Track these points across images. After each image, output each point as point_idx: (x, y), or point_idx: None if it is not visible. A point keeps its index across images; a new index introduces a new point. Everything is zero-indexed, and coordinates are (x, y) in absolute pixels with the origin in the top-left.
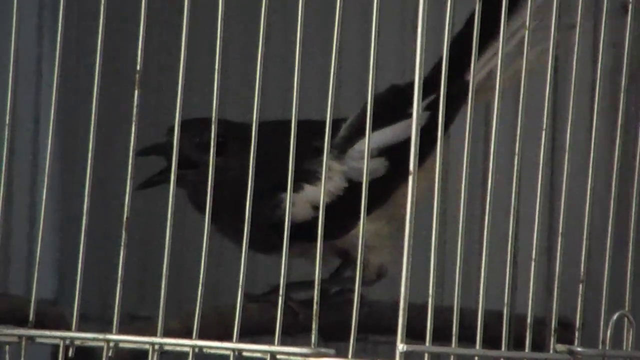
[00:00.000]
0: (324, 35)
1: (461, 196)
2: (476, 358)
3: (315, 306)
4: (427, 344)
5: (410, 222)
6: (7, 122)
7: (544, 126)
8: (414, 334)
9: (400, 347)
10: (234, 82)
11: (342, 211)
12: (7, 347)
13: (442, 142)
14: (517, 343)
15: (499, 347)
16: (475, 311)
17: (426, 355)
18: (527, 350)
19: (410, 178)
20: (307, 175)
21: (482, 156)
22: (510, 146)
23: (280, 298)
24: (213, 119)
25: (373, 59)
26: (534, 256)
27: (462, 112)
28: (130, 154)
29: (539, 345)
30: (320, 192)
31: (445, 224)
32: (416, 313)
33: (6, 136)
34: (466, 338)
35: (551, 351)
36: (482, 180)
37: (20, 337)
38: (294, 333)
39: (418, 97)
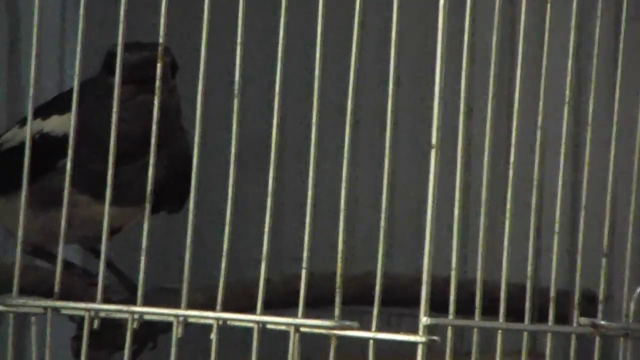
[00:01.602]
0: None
1: (484, 169)
2: (499, 331)
3: (338, 279)
4: (450, 316)
5: (433, 193)
6: (30, 95)
7: (567, 99)
8: (438, 306)
9: (424, 320)
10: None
11: None
12: (32, 319)
13: (466, 116)
14: (540, 316)
15: (522, 320)
16: (498, 284)
17: (449, 328)
18: (550, 323)
19: (433, 152)
20: None
21: (506, 129)
22: (532, 119)
23: (303, 270)
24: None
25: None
26: (556, 229)
27: (484, 85)
28: (153, 129)
29: (563, 318)
30: None
31: (468, 197)
32: (440, 286)
33: (30, 110)
34: (489, 311)
35: (574, 324)
36: (505, 152)
37: (45, 308)
38: (318, 306)
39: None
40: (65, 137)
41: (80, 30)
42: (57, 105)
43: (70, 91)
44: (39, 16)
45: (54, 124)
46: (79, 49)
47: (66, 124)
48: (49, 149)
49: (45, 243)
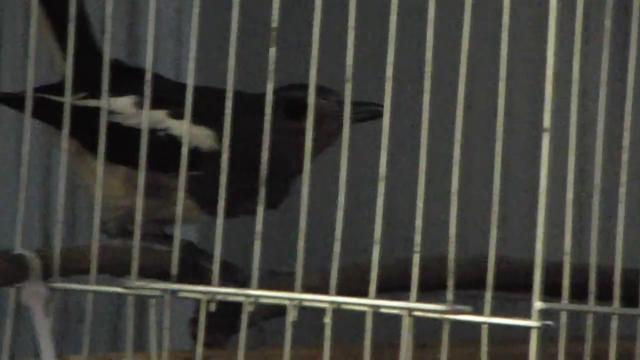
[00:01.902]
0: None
1: (597, 152)
2: (614, 316)
3: (451, 263)
4: (564, 301)
5: (546, 177)
6: (148, 77)
7: None
8: (552, 291)
9: (537, 304)
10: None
11: None
12: (152, 301)
13: (578, 99)
14: None
15: (637, 305)
16: (613, 268)
17: (563, 313)
18: None
19: (545, 135)
20: None
21: (619, 112)
22: None
23: (416, 255)
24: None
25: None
26: None
27: (597, 68)
28: (267, 111)
29: None
30: None
31: (581, 181)
32: (553, 270)
33: (146, 93)
34: (604, 296)
35: None
36: (619, 135)
37: (164, 291)
38: (431, 290)
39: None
40: (197, 150)
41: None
42: (197, 108)
43: (207, 95)
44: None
45: (188, 131)
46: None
47: (206, 139)
48: (172, 150)
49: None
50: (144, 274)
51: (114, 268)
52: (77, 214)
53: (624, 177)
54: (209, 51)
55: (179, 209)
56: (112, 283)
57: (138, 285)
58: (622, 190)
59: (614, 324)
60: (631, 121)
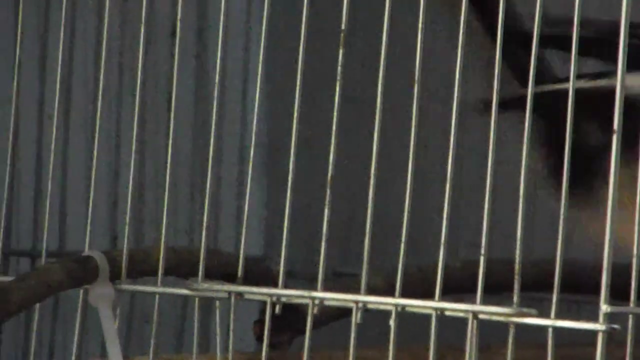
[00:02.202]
0: None
1: None
2: None
3: (517, 265)
4: (631, 304)
5: (615, 177)
6: (217, 79)
7: None
8: (619, 294)
9: (604, 308)
10: None
11: None
12: (217, 303)
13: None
14: None
15: None
16: None
17: (630, 317)
18: None
19: (614, 137)
20: None
21: None
22: None
23: (482, 257)
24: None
25: None
26: None
27: None
28: (335, 113)
29: None
30: None
31: None
32: (621, 273)
33: (215, 95)
34: None
35: None
36: None
37: (229, 293)
38: (496, 292)
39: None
40: None
41: (265, 13)
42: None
43: None
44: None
45: None
46: (263, 32)
47: None
48: None
49: None
50: (210, 275)
51: (180, 270)
52: (144, 215)
53: None
54: (276, 53)
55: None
56: (178, 285)
57: (204, 287)
58: None
59: None
60: None
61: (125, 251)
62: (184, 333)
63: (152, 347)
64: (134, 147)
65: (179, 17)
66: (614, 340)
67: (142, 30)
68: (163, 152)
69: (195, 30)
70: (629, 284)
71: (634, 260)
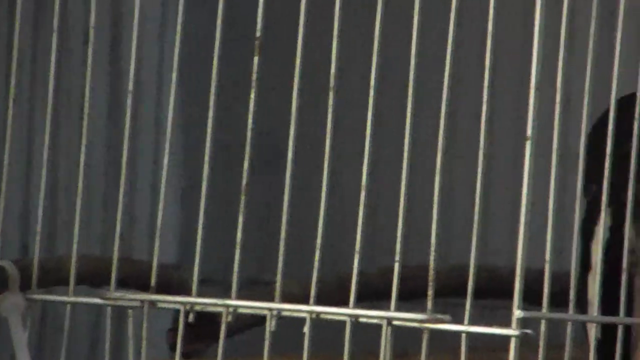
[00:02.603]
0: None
1: (580, 161)
2: (594, 324)
3: (431, 272)
4: (544, 310)
5: (528, 185)
6: (130, 88)
7: None
8: (532, 299)
9: (517, 313)
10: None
11: None
12: (130, 312)
13: (562, 107)
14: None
15: (616, 313)
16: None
17: (543, 322)
18: None
19: (528, 144)
20: None
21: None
22: None
23: (396, 264)
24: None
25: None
26: None
27: (581, 76)
28: (249, 118)
29: None
30: None
31: (564, 187)
32: (534, 278)
33: (129, 102)
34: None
35: None
36: None
37: (142, 301)
38: (412, 299)
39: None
40: None
41: (179, 20)
42: None
43: None
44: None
45: None
46: (178, 40)
47: None
48: None
49: None
50: (124, 284)
51: (93, 279)
52: (56, 223)
53: (605, 185)
54: (191, 60)
55: None
56: (91, 294)
57: (117, 296)
58: (603, 198)
59: (593, 332)
60: (613, 129)
61: (36, 260)
62: (97, 343)
63: (64, 357)
64: (45, 155)
65: (92, 25)
66: (527, 344)
67: (54, 37)
68: (76, 160)
69: (109, 38)
70: (542, 290)
71: (547, 266)
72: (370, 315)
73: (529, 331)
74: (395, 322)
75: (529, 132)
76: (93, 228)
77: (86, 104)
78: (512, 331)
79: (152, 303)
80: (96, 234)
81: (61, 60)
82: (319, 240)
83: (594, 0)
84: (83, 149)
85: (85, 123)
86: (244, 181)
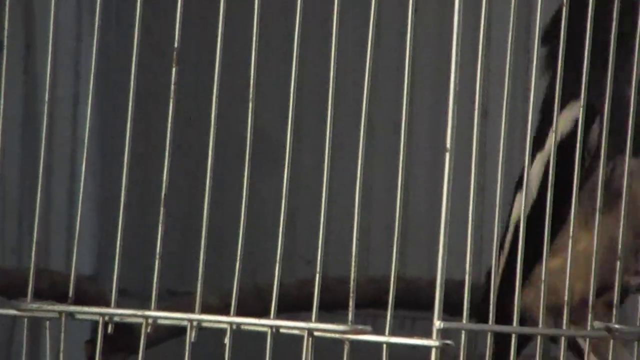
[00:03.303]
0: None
1: (498, 172)
2: (513, 335)
3: (352, 283)
4: (464, 321)
5: (447, 197)
6: (47, 98)
7: (582, 102)
8: (452, 310)
9: (437, 324)
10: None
11: None
12: (47, 323)
13: (480, 118)
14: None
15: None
16: (512, 288)
17: (463, 333)
18: (564, 327)
19: (447, 155)
20: None
21: (521, 130)
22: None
23: (317, 275)
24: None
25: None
26: (571, 233)
27: (499, 87)
28: (168, 129)
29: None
30: None
31: (482, 199)
32: (454, 289)
33: (45, 112)
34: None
35: (589, 328)
36: (520, 154)
37: (60, 312)
38: (332, 310)
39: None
40: None
41: (96, 30)
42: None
43: None
44: (54, 17)
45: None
46: (94, 49)
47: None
48: None
49: None
50: (40, 295)
51: (9, 290)
52: None
53: (524, 196)
54: (108, 69)
55: None
56: (6, 305)
57: (33, 308)
58: (522, 209)
59: (513, 343)
60: (532, 142)
61: None
62: (11, 355)
63: None
64: None
65: (6, 32)
66: (447, 355)
67: None
68: None
69: (23, 44)
70: (462, 301)
71: (467, 277)
72: (291, 326)
73: (449, 342)
74: (316, 333)
75: (448, 143)
76: (8, 238)
77: (0, 114)
78: (432, 342)
79: (70, 314)
80: (11, 244)
81: None
82: (240, 250)
83: (511, 9)
84: None
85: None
86: (163, 192)
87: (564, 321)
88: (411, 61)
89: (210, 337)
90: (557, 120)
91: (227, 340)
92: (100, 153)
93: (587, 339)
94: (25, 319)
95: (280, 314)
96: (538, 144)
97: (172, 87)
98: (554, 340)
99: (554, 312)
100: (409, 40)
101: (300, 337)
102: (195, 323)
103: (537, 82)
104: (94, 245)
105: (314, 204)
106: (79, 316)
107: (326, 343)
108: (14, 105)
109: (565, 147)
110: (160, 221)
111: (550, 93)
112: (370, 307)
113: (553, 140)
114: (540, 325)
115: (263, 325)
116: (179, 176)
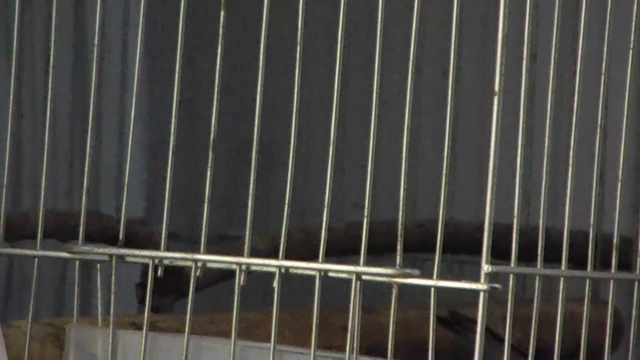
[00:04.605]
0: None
1: (547, 114)
2: (562, 278)
3: (400, 227)
4: (512, 264)
5: (496, 140)
6: (96, 42)
7: (632, 44)
8: (500, 254)
9: (485, 267)
10: None
11: None
12: (98, 266)
13: (529, 61)
14: (603, 263)
15: (585, 268)
16: (561, 231)
17: (511, 276)
18: (613, 270)
19: (495, 98)
20: None
21: (569, 74)
22: (597, 64)
23: (365, 219)
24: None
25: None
26: (620, 175)
27: (548, 30)
28: (217, 74)
29: (626, 265)
30: None
31: (531, 143)
32: (502, 233)
33: (95, 57)
34: (552, 258)
35: (637, 271)
36: (569, 98)
37: (110, 255)
38: (380, 254)
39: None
40: None
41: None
42: None
43: None
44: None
45: None
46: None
47: None
48: None
49: None
50: (91, 238)
51: (60, 233)
52: (22, 178)
53: (573, 139)
54: (157, 13)
55: None
56: (58, 248)
57: (84, 250)
58: (571, 153)
59: (562, 287)
60: (581, 84)
61: (2, 214)
62: (64, 296)
63: (32, 310)
64: (10, 108)
65: None
66: (496, 299)
67: None
68: (41, 113)
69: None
70: (510, 244)
71: (514, 221)
72: (339, 269)
73: (497, 285)
74: (364, 277)
75: (496, 87)
76: (59, 182)
77: (51, 57)
78: (480, 286)
79: (121, 257)
80: (63, 188)
81: (24, 13)
82: (288, 195)
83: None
84: (49, 103)
85: (50, 76)
86: (212, 136)
87: (613, 264)
88: (459, 6)
89: (259, 280)
90: None
91: (275, 284)
92: (149, 98)
93: (636, 283)
94: (77, 262)
95: (328, 258)
96: None
97: (221, 31)
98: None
99: None
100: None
101: (349, 281)
102: (244, 267)
103: (585, 23)
104: (144, 189)
105: (361, 148)
106: (129, 259)
107: (375, 286)
108: (65, 51)
109: None
110: (209, 165)
111: None
112: (418, 251)
113: None
114: (589, 269)
115: (311, 269)
116: (227, 120)
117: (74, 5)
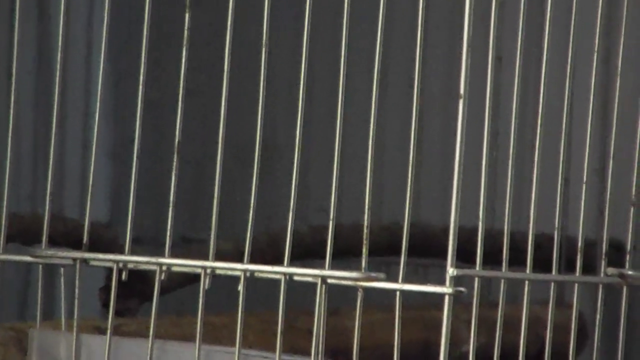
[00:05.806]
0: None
1: (512, 118)
2: (527, 282)
3: (365, 230)
4: (477, 268)
5: (461, 144)
6: (60, 44)
7: (596, 47)
8: (465, 257)
9: (450, 271)
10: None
11: None
12: (61, 270)
13: (494, 65)
14: (568, 266)
15: (549, 271)
16: (526, 234)
17: (476, 279)
18: (577, 273)
19: (461, 102)
20: None
21: (534, 78)
22: (561, 67)
23: (330, 222)
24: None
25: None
26: (584, 178)
27: (513, 32)
28: (181, 76)
29: (590, 268)
30: None
31: (495, 146)
32: (467, 236)
33: (59, 59)
34: (517, 262)
35: (602, 274)
36: (534, 101)
37: (74, 259)
38: (345, 257)
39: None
40: None
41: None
42: None
43: None
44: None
45: None
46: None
47: None
48: None
49: None
50: (55, 242)
51: (24, 236)
52: None
53: (538, 142)
54: (122, 12)
55: None
56: (21, 251)
57: (48, 254)
58: (536, 156)
59: (526, 290)
60: (546, 88)
61: None
62: (27, 300)
63: None
64: None
65: None
66: (460, 302)
67: None
68: (4, 117)
69: None
70: (475, 248)
71: (480, 225)
72: (304, 273)
73: (462, 289)
74: (329, 280)
75: (462, 90)
76: (23, 186)
77: (14, 61)
78: (445, 289)
79: (85, 261)
80: (26, 191)
81: None
82: (253, 198)
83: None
84: (12, 106)
85: (13, 79)
86: (177, 139)
87: (577, 268)
88: (424, 12)
89: (224, 284)
90: None
91: (240, 288)
92: (113, 100)
93: (601, 286)
94: (40, 266)
95: (293, 262)
96: None
97: (185, 32)
98: None
99: None
100: None
101: (314, 284)
102: (209, 270)
103: (550, 26)
104: (108, 192)
105: (327, 151)
106: (93, 263)
107: (340, 288)
108: (28, 53)
109: None
110: (174, 168)
111: None
112: (384, 254)
113: None
114: (553, 273)
115: (276, 273)
116: (192, 123)
117: (37, 4)
